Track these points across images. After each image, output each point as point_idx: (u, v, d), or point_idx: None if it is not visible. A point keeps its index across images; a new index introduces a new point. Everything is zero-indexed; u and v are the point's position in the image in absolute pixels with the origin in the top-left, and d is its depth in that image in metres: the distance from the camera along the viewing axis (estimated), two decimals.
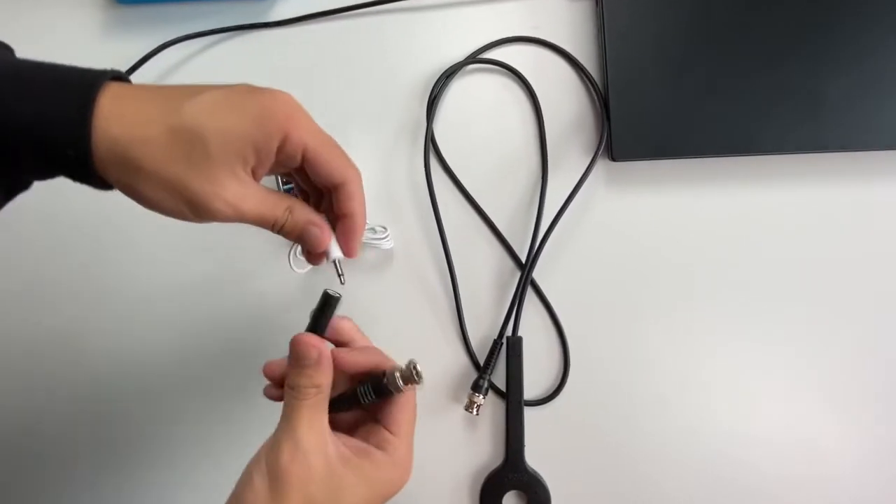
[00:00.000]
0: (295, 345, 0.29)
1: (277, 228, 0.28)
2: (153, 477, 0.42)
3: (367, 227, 0.41)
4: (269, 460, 0.27)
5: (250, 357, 0.39)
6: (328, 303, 0.30)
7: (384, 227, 0.42)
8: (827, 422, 0.40)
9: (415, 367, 0.29)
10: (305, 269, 0.42)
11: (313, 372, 0.28)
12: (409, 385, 0.29)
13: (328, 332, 0.31)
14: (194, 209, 0.25)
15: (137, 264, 0.43)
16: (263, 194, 0.27)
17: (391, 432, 0.30)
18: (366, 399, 0.30)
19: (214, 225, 0.27)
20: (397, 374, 0.29)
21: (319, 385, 0.28)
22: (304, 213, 0.29)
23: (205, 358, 0.43)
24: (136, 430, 0.43)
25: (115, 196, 0.26)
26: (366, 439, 0.30)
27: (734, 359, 0.41)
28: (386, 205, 0.43)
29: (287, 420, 0.28)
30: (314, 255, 0.30)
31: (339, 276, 0.35)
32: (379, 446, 0.30)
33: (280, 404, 0.29)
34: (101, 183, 0.25)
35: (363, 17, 0.44)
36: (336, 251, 0.30)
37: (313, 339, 0.29)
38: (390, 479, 0.29)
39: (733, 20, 0.40)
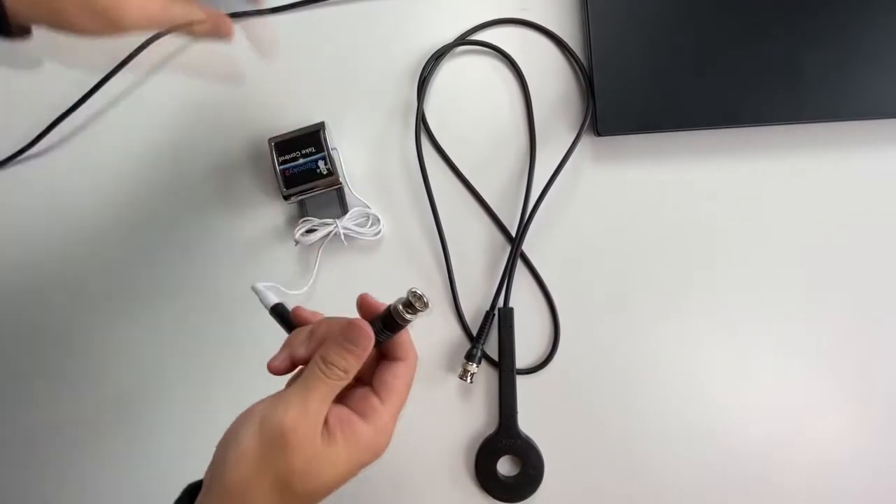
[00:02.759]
0: (353, 327, 0.29)
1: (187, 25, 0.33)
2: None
3: (358, 218, 0.43)
4: (269, 416, 0.27)
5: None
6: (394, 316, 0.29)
7: (378, 217, 0.43)
8: (813, 390, 0.41)
9: (414, 293, 0.28)
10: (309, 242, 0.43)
11: (355, 359, 0.28)
12: (414, 312, 0.28)
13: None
14: (108, 21, 0.30)
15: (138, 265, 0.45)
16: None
17: (380, 398, 0.30)
18: (380, 337, 0.30)
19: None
20: (400, 305, 0.28)
21: (349, 372, 0.28)
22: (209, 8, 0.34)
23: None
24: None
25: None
26: (353, 405, 0.30)
27: (718, 323, 0.42)
28: (379, 183, 0.44)
29: (304, 387, 0.28)
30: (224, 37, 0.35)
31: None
32: (364, 414, 0.29)
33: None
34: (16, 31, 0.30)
35: (353, 2, 0.45)
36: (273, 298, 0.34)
37: (371, 331, 0.29)
38: (369, 448, 0.29)
39: None
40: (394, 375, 0.30)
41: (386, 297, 0.29)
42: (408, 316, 0.28)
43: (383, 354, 0.31)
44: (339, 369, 0.28)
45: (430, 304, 0.28)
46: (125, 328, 0.45)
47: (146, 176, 0.45)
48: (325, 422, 0.28)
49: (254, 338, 0.42)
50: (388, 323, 0.29)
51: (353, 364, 0.28)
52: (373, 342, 0.29)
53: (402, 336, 0.30)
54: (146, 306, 0.45)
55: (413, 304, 0.28)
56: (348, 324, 0.29)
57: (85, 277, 0.45)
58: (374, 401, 0.29)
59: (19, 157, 0.45)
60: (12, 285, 0.46)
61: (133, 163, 0.45)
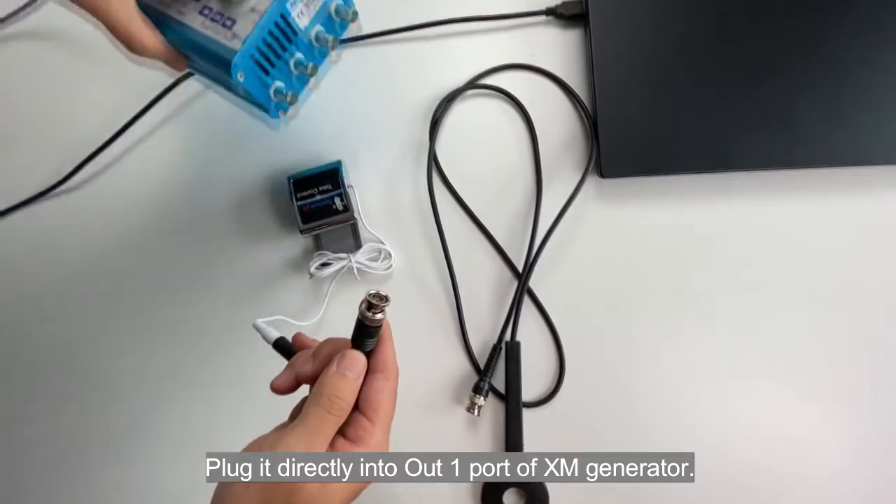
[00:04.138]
0: (344, 357, 0.29)
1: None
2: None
3: (371, 253, 0.45)
4: None
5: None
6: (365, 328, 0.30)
7: (390, 252, 0.45)
8: (819, 422, 0.42)
9: (371, 295, 0.29)
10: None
11: (352, 386, 0.29)
12: (380, 310, 0.29)
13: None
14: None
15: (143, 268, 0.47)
16: None
17: (368, 418, 0.30)
18: (366, 348, 0.30)
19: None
20: (366, 311, 0.29)
21: (350, 402, 0.29)
22: None
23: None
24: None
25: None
26: (345, 431, 0.30)
27: (720, 358, 0.43)
28: (391, 218, 0.46)
29: (306, 427, 0.28)
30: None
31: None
32: (357, 439, 0.29)
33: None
34: None
35: (370, 45, 0.48)
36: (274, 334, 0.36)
37: (360, 354, 0.30)
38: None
39: (713, 47, 0.44)
40: (376, 391, 0.30)
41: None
42: (377, 315, 0.29)
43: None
44: (341, 399, 0.29)
45: (388, 296, 0.29)
46: (143, 356, 0.46)
47: (172, 209, 0.47)
48: (332, 444, 0.28)
49: (269, 367, 0.43)
50: (364, 331, 0.30)
51: (352, 392, 0.29)
52: (365, 363, 0.30)
53: (378, 348, 0.31)
54: (169, 334, 0.46)
55: (374, 304, 0.29)
56: (340, 355, 0.30)
57: (106, 306, 0.47)
58: (364, 422, 0.30)
59: (52, 193, 0.48)
60: (35, 313, 0.47)
61: (158, 196, 0.47)
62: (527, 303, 0.44)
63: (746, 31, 0.44)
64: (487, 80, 0.47)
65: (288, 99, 0.36)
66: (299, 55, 0.36)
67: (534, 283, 0.44)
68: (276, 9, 0.33)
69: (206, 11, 0.34)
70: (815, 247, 0.44)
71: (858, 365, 0.42)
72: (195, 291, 0.46)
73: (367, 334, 0.30)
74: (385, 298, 0.29)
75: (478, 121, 0.47)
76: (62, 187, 0.48)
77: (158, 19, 0.34)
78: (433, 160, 0.46)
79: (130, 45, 0.33)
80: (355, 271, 0.44)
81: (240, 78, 0.33)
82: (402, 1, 0.47)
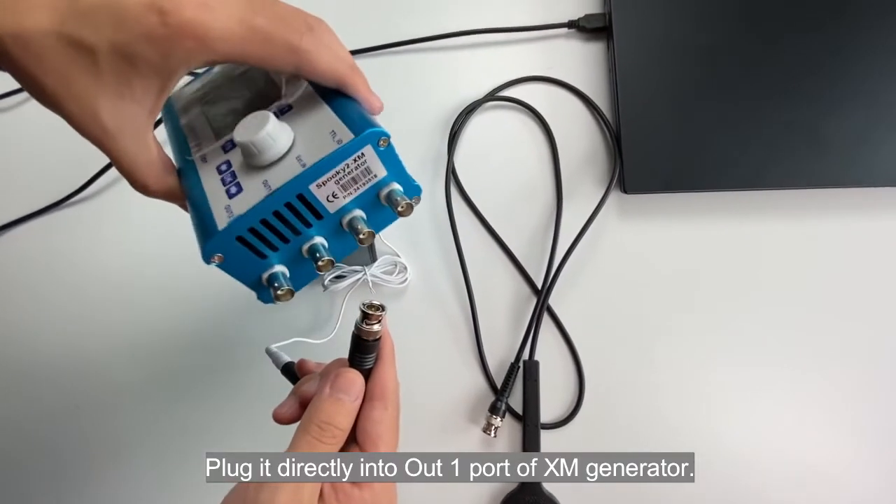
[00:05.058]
0: (339, 376, 0.26)
1: None
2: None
3: (386, 266, 0.44)
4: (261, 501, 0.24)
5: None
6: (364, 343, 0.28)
7: (405, 266, 0.43)
8: (839, 446, 0.41)
9: (366, 305, 0.27)
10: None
11: (347, 412, 0.26)
12: (377, 320, 0.27)
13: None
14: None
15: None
16: None
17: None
18: (365, 365, 0.28)
19: None
20: (362, 324, 0.27)
21: (345, 429, 0.26)
22: None
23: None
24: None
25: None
26: None
27: (744, 379, 0.42)
28: (408, 231, 0.45)
29: None
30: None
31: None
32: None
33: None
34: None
35: (390, 55, 0.47)
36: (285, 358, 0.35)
37: (357, 374, 0.27)
38: None
39: (738, 61, 0.43)
40: (374, 421, 0.27)
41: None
42: (374, 327, 0.27)
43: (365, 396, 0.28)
44: (334, 426, 0.25)
45: (384, 305, 0.27)
46: (154, 371, 0.45)
47: (184, 220, 0.46)
48: (321, 494, 0.25)
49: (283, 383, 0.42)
50: (361, 346, 0.28)
51: (347, 418, 0.26)
52: (363, 384, 0.27)
53: (377, 370, 0.28)
54: (180, 346, 0.45)
55: (369, 314, 0.27)
56: (334, 375, 0.27)
57: (119, 312, 0.46)
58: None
59: (67, 202, 0.47)
60: (47, 318, 0.46)
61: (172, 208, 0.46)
62: (546, 321, 0.43)
63: (774, 45, 0.43)
64: (508, 93, 0.46)
65: (279, 294, 0.27)
66: (317, 241, 0.27)
67: (553, 300, 0.43)
68: (291, 187, 0.25)
69: (224, 167, 0.27)
70: (847, 267, 0.42)
71: (865, 374, 0.41)
72: (204, 305, 0.45)
73: (364, 349, 0.28)
74: (381, 308, 0.27)
75: (497, 133, 0.46)
76: (77, 197, 0.47)
77: (185, 161, 0.29)
78: (451, 172, 0.45)
79: (130, 183, 0.26)
80: (370, 284, 0.43)
81: (215, 261, 0.26)
82: (421, 11, 0.47)
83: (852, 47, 0.43)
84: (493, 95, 0.46)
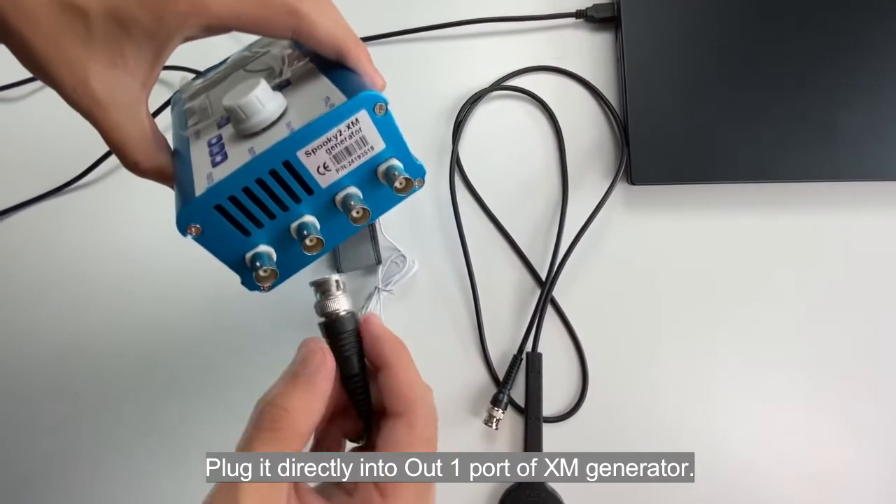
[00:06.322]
0: (302, 344, 0.23)
1: None
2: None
3: (391, 274, 0.43)
4: None
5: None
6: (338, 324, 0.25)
7: (404, 256, 0.43)
8: (840, 446, 0.40)
9: (316, 283, 0.24)
10: None
11: (303, 396, 0.21)
12: (334, 293, 0.24)
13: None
14: None
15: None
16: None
17: (380, 493, 0.22)
18: (339, 362, 0.24)
19: None
20: (323, 300, 0.24)
21: (301, 424, 0.20)
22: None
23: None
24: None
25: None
26: None
27: (750, 372, 0.41)
28: (411, 222, 0.45)
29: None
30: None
31: None
32: None
33: None
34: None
35: (394, 44, 0.47)
36: None
37: (321, 340, 0.23)
38: None
39: (749, 52, 0.42)
40: (395, 445, 0.22)
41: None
42: (335, 304, 0.24)
43: (380, 411, 0.24)
44: (281, 408, 0.20)
45: (338, 280, 0.24)
46: (158, 365, 0.45)
47: None
48: None
49: None
50: (330, 329, 0.24)
51: (303, 402, 0.21)
52: (329, 359, 0.23)
53: (389, 381, 0.23)
54: (182, 340, 0.45)
55: (327, 288, 0.24)
56: (299, 346, 0.23)
57: (119, 300, 0.45)
58: (375, 499, 0.21)
59: (67, 188, 0.47)
60: (54, 306, 0.46)
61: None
62: (549, 313, 0.42)
63: (786, 36, 0.42)
64: (514, 82, 0.46)
65: (262, 276, 0.24)
66: (307, 220, 0.25)
67: (557, 291, 0.42)
68: (275, 153, 0.22)
69: (215, 140, 0.25)
70: (855, 260, 0.42)
71: (869, 373, 0.40)
72: (205, 304, 0.45)
73: (338, 329, 0.24)
74: (334, 283, 0.24)
75: (503, 123, 0.45)
76: (77, 183, 0.47)
77: (180, 137, 0.27)
78: (456, 162, 0.44)
79: (121, 159, 0.24)
80: (387, 295, 0.42)
81: (192, 233, 0.23)
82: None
83: (866, 39, 0.42)
84: (499, 85, 0.46)
